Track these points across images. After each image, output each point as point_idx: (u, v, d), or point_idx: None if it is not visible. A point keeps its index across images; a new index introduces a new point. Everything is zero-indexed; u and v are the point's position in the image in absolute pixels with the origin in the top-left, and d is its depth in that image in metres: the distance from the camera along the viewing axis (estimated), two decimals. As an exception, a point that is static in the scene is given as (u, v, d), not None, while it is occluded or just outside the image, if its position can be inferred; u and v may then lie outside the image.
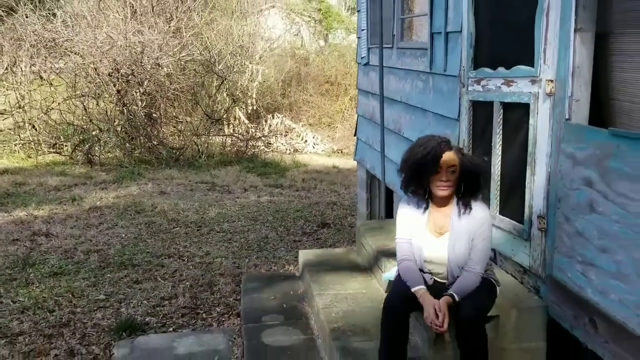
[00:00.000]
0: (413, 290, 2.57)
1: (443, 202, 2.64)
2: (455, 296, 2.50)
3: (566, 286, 2.64)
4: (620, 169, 2.24)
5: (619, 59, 2.48)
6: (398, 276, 2.77)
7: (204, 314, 4.05)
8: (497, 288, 2.71)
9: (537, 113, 2.83)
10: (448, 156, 2.53)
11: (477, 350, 2.49)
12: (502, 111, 3.17)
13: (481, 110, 3.41)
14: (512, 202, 3.09)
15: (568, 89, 2.59)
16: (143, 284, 4.66)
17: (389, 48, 5.09)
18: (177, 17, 12.08)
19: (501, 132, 3.20)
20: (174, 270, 5.03)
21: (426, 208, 2.68)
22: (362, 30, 5.89)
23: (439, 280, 2.71)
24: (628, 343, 2.24)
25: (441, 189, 2.56)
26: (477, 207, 2.59)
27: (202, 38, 12.99)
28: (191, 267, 5.17)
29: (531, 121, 2.88)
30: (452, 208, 2.63)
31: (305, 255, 4.23)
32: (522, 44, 2.97)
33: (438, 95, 4.07)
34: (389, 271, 3.34)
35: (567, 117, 2.61)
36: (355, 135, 6.68)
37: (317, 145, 14.52)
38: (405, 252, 2.71)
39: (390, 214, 6.35)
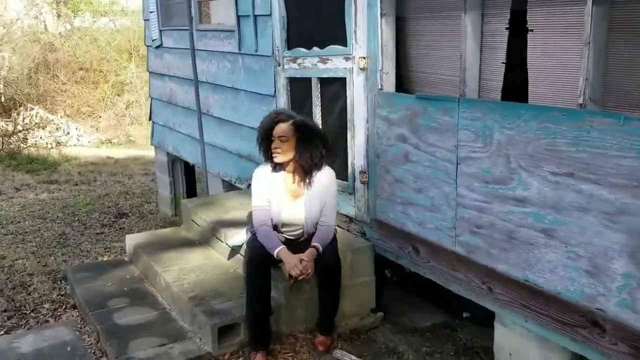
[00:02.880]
0: (276, 251, 2.89)
1: (291, 168, 3.00)
2: (319, 247, 2.92)
3: (389, 225, 3.25)
4: (428, 125, 2.87)
5: (413, 39, 3.12)
6: (253, 239, 3.06)
7: (32, 314, 3.81)
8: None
9: (353, 85, 3.37)
10: (280, 127, 2.88)
11: (337, 288, 2.96)
12: (319, 85, 3.65)
13: (299, 86, 3.86)
14: (336, 163, 3.60)
15: (379, 64, 3.16)
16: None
17: (185, 30, 5.21)
18: None
19: (320, 103, 3.69)
20: (-30, 280, 4.52)
21: (277, 171, 3.01)
22: (151, 12, 5.88)
23: (291, 237, 3.10)
24: (443, 258, 2.91)
25: (274, 156, 2.92)
26: (324, 172, 3.01)
27: None
28: (-10, 273, 4.70)
29: (348, 92, 3.41)
30: (303, 173, 3.02)
31: (133, 239, 4.23)
32: (334, 26, 3.46)
33: (250, 75, 4.41)
34: (233, 239, 3.61)
35: (379, 87, 3.19)
36: (150, 119, 6.63)
37: (81, 137, 13.63)
38: (263, 218, 3.01)
39: (193, 193, 6.52)
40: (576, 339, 2.32)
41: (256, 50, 4.28)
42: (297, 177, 3.02)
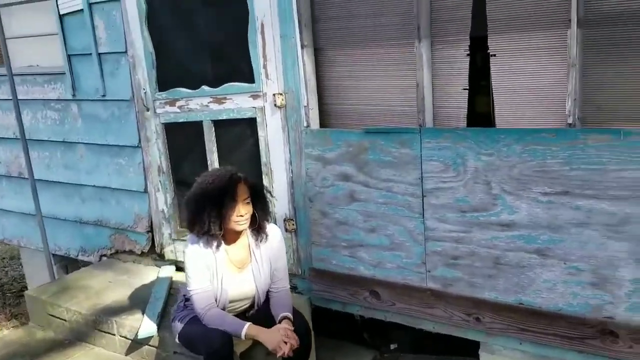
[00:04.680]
0: (244, 331, 2.39)
1: (236, 235, 2.53)
2: (291, 316, 2.49)
3: (333, 272, 2.96)
4: (380, 160, 2.68)
5: (337, 71, 2.89)
6: (196, 329, 2.49)
7: None
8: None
9: (266, 125, 2.99)
10: (241, 188, 2.43)
11: (309, 353, 2.56)
12: (213, 129, 3.18)
13: (182, 132, 3.31)
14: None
15: (303, 99, 2.86)
16: None
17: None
18: None
19: (216, 150, 3.21)
20: None
21: (218, 246, 2.49)
22: None
23: (239, 311, 2.61)
24: (413, 297, 2.75)
25: (240, 224, 2.44)
26: (271, 231, 2.59)
27: None
28: None
29: (260, 134, 3.02)
30: (247, 238, 2.56)
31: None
32: (231, 62, 3.05)
33: (95, 124, 3.65)
34: (142, 330, 2.91)
35: (305, 124, 2.88)
36: None
37: None
38: (209, 301, 2.47)
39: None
40: (584, 350, 2.37)
41: (103, 95, 3.55)
42: (242, 244, 2.55)
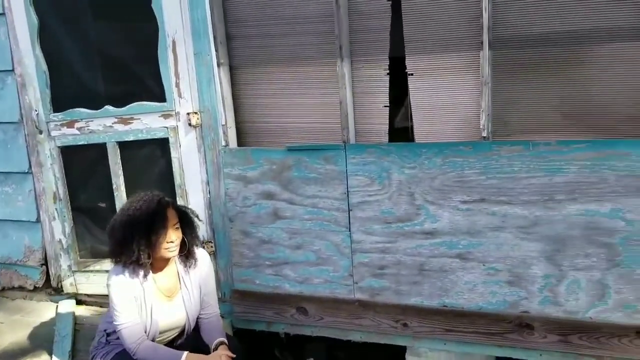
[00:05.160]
0: None
1: (164, 263, 2.41)
2: (225, 341, 2.42)
3: (257, 292, 2.93)
4: (305, 176, 2.71)
5: (247, 88, 2.88)
6: None
7: None
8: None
9: (180, 146, 2.89)
10: (170, 213, 2.33)
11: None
12: (118, 152, 3.00)
13: (81, 155, 3.08)
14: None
15: (221, 118, 2.80)
16: None
17: None
18: None
19: (122, 173, 3.03)
20: None
21: (146, 275, 2.35)
22: None
23: (167, 341, 2.49)
24: (342, 309, 2.80)
25: (170, 250, 2.33)
26: (200, 255, 2.50)
27: None
28: None
29: (173, 154, 2.91)
30: (175, 265, 2.45)
31: None
32: (139, 81, 2.90)
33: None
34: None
35: (224, 143, 2.83)
36: None
37: None
38: (139, 333, 2.33)
39: None
40: (503, 344, 2.58)
41: (-17, 117, 3.20)
42: (170, 271, 2.44)
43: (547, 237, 2.41)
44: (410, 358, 2.80)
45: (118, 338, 2.39)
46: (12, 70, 3.07)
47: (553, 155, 2.32)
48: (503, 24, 2.38)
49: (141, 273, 2.33)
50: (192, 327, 2.52)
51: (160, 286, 2.41)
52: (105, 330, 2.47)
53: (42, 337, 2.99)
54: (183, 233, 2.38)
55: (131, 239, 2.25)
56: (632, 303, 2.35)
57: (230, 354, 2.35)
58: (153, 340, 2.40)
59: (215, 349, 2.40)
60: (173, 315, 2.43)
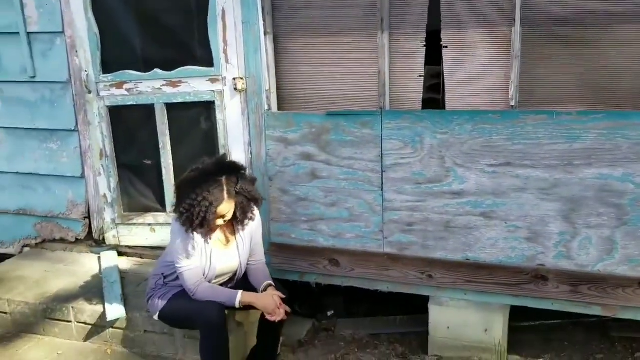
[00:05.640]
0: (238, 299, 2.54)
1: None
2: (273, 283, 2.68)
3: (293, 246, 3.18)
4: (342, 140, 2.95)
5: (288, 56, 3.09)
6: (177, 301, 2.60)
7: None
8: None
9: (225, 108, 3.10)
10: (222, 209, 2.48)
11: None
12: (166, 112, 3.20)
13: (129, 115, 3.28)
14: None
15: (264, 84, 3.02)
16: None
17: None
18: None
19: (168, 133, 3.24)
20: None
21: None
22: None
23: (220, 284, 2.74)
24: (372, 261, 3.07)
25: (212, 231, 2.58)
26: (254, 213, 2.73)
27: None
28: None
29: (218, 117, 3.12)
30: (238, 225, 2.67)
31: None
32: (187, 46, 3.10)
33: (17, 107, 3.46)
34: (111, 313, 2.90)
35: (267, 107, 3.05)
36: None
37: None
38: (199, 276, 2.59)
39: None
40: (519, 294, 2.87)
41: (33, 77, 3.37)
42: (227, 224, 2.68)
43: (564, 198, 2.68)
44: (434, 307, 3.08)
45: (175, 280, 2.65)
46: (62, 32, 3.24)
47: (574, 124, 2.59)
48: (534, 2, 2.61)
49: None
50: (242, 273, 2.76)
51: (217, 235, 2.65)
52: (162, 274, 2.71)
53: (89, 284, 3.21)
54: (236, 212, 2.57)
55: (185, 207, 2.44)
56: (637, 257, 2.65)
57: (279, 293, 2.61)
58: (209, 282, 2.64)
59: (264, 290, 2.65)
60: (229, 261, 2.68)
